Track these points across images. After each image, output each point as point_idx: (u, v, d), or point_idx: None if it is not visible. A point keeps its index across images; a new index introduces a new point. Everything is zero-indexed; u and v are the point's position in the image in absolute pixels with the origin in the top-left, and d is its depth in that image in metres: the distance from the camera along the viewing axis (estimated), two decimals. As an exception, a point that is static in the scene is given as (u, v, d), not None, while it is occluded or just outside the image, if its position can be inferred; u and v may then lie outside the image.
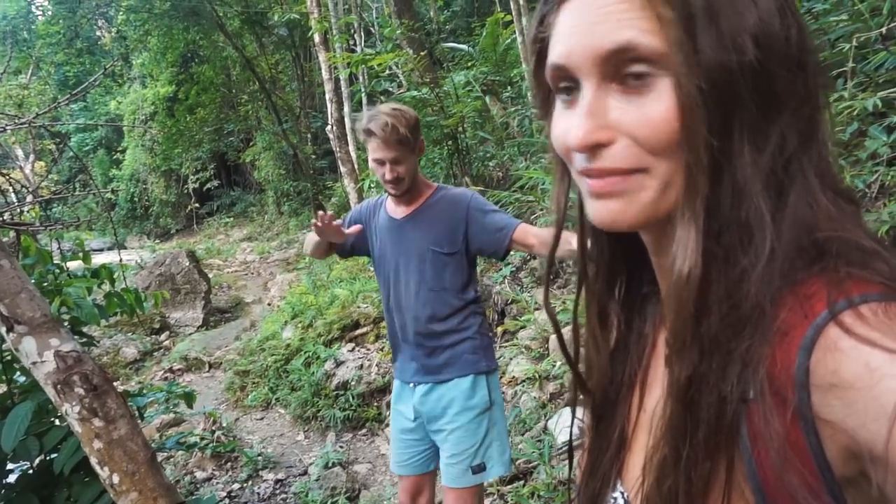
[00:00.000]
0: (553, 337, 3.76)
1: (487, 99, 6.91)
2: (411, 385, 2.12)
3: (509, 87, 7.20)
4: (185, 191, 19.84)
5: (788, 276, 0.45)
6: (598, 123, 0.47)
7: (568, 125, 0.50)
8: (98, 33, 20.91)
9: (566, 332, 0.68)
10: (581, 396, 0.65)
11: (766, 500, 0.43)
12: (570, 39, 0.48)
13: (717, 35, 0.43)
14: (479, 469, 2.01)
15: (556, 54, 0.50)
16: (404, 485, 2.22)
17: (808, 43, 0.46)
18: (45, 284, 2.08)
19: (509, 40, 7.22)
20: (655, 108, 0.45)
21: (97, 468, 1.74)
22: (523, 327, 4.13)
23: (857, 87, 2.80)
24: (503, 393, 3.75)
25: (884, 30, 2.70)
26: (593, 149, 0.47)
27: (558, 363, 3.56)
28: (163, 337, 7.87)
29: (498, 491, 2.98)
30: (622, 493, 0.61)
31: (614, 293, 0.63)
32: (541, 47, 0.53)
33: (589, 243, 0.61)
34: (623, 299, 0.63)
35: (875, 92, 2.69)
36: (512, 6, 6.18)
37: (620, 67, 0.46)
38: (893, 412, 0.36)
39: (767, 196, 0.45)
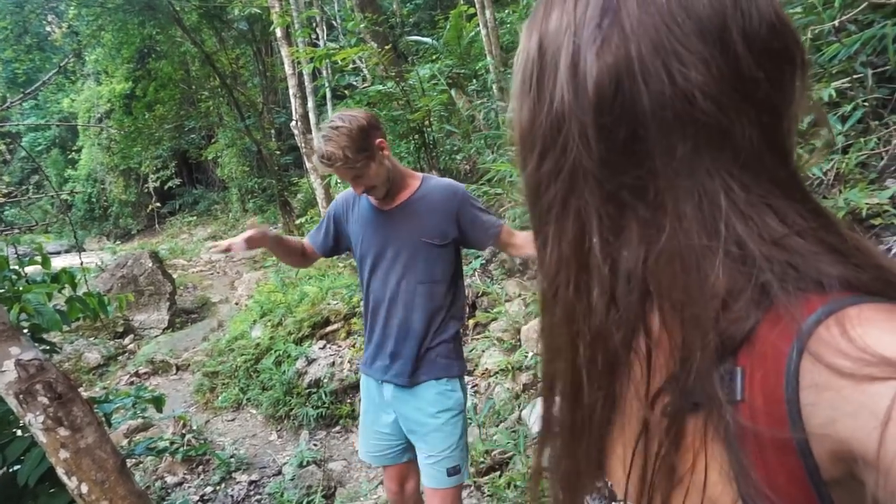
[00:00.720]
0: (525, 327, 3.80)
1: (453, 92, 6.91)
2: (381, 382, 2.09)
3: (474, 80, 7.20)
4: (146, 190, 19.34)
5: (760, 295, 0.44)
6: None
7: None
8: (48, 28, 20.16)
9: (534, 327, 0.68)
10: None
11: (751, 498, 0.43)
12: None
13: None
14: (455, 471, 2.01)
15: None
16: (389, 473, 2.22)
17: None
18: (3, 291, 2.01)
19: (473, 33, 7.22)
20: None
21: (64, 479, 1.69)
22: (494, 319, 4.16)
23: (812, 78, 2.89)
24: (476, 385, 3.78)
25: (836, 22, 2.79)
26: None
27: (530, 354, 3.59)
28: (127, 340, 7.68)
29: (475, 482, 3.00)
30: (606, 483, 0.61)
31: None
32: None
33: None
34: None
35: (829, 82, 2.78)
36: (475, -1, 6.17)
37: None
38: (884, 416, 0.36)
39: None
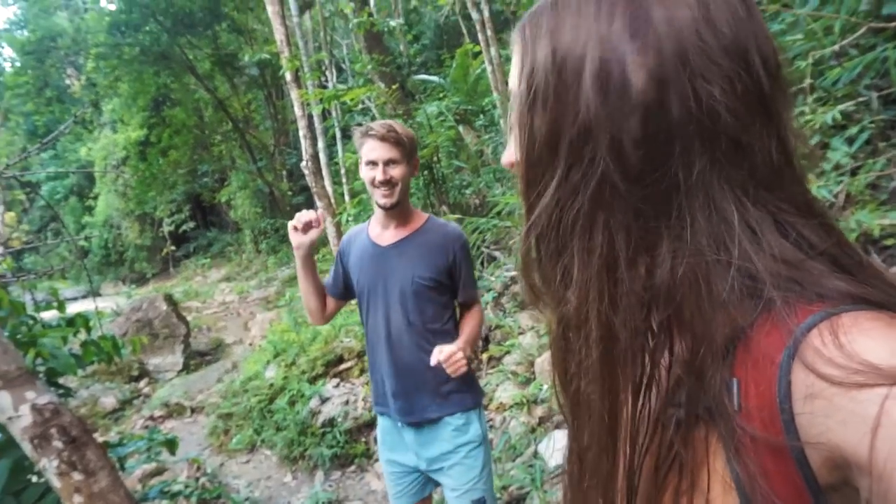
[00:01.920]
0: (539, 360, 3.76)
1: (461, 128, 7.02)
2: (399, 424, 2.04)
3: (482, 116, 7.32)
4: (161, 234, 19.62)
5: (762, 296, 0.45)
6: None
7: None
8: (67, 81, 20.81)
9: (546, 359, 0.68)
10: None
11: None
12: None
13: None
14: (480, 503, 1.97)
15: None
16: None
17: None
18: (19, 336, 2.03)
19: (479, 70, 7.37)
20: None
21: (78, 524, 1.68)
22: (508, 352, 4.12)
23: (816, 102, 2.90)
24: (491, 420, 3.73)
25: (837, 47, 2.81)
26: None
27: (545, 387, 3.55)
28: (142, 384, 7.69)
29: (492, 521, 2.93)
30: None
31: None
32: None
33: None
34: None
35: (834, 106, 2.79)
36: (480, 37, 6.31)
37: None
38: (875, 421, 0.36)
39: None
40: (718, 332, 0.45)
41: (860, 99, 2.84)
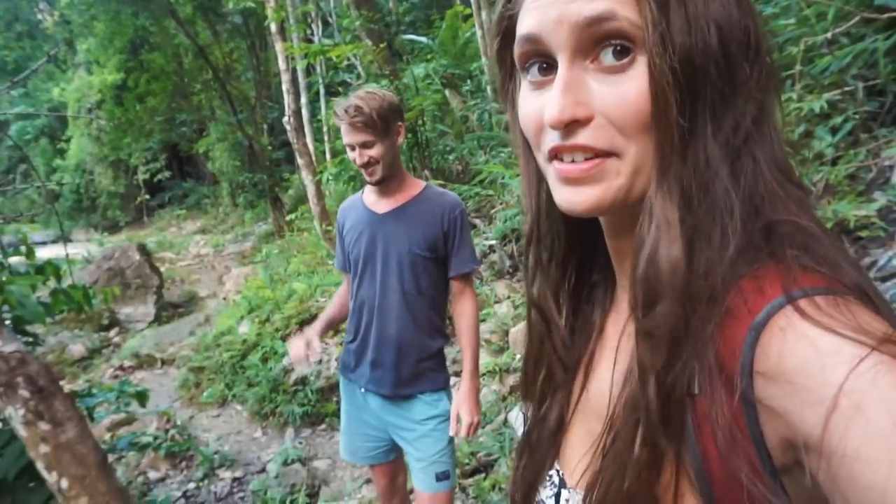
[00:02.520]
0: (513, 329, 3.80)
1: (447, 92, 6.91)
2: (363, 391, 2.05)
3: (469, 81, 7.21)
4: (135, 182, 19.20)
5: (739, 259, 0.45)
6: (576, 98, 0.46)
7: (539, 103, 0.49)
8: (39, 16, 19.93)
9: (522, 328, 0.69)
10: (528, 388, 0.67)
11: (711, 486, 0.44)
12: (545, 10, 0.47)
13: (686, 17, 0.44)
14: (444, 476, 2.00)
15: (528, 25, 0.49)
16: (379, 471, 2.19)
17: (761, 33, 0.48)
18: (-15, 282, 1.98)
19: (469, 34, 7.23)
20: (631, 87, 0.45)
21: (44, 473, 1.67)
22: (483, 321, 4.15)
23: (804, 90, 2.91)
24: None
25: (829, 34, 2.81)
26: (569, 125, 0.46)
27: (518, 356, 3.60)
28: (112, 333, 7.61)
29: (460, 484, 2.99)
30: (557, 471, 0.62)
31: (566, 280, 0.63)
32: (507, 25, 0.53)
33: (546, 230, 0.61)
34: (573, 287, 0.64)
35: (821, 94, 2.80)
36: (472, 0, 6.18)
37: (596, 42, 0.46)
38: (831, 402, 0.37)
39: (731, 178, 0.46)
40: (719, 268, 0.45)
41: (846, 88, 2.86)
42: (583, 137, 0.47)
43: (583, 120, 0.46)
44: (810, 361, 0.39)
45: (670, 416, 0.46)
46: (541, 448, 0.64)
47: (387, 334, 1.96)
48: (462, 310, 1.99)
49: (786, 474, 0.41)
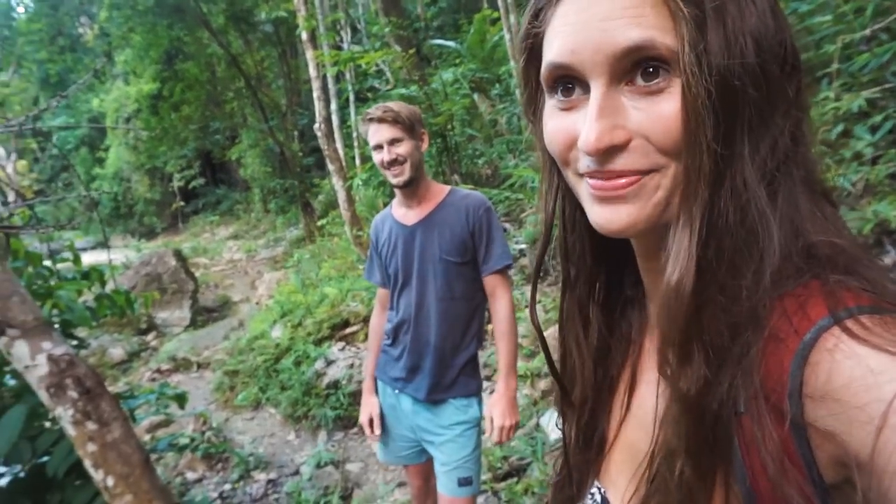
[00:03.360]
0: (546, 334, 3.78)
1: (476, 96, 6.93)
2: (397, 391, 2.10)
3: (497, 85, 7.21)
4: (170, 189, 19.67)
5: (780, 281, 0.44)
6: (613, 123, 0.45)
7: (569, 122, 0.48)
8: (80, 30, 20.59)
9: (553, 333, 0.69)
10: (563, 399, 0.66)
11: None
12: (576, 36, 0.46)
13: (725, 35, 0.42)
14: (466, 482, 2.01)
15: (558, 52, 0.47)
16: (413, 471, 2.23)
17: (796, 46, 0.47)
18: (36, 287, 2.06)
19: (497, 38, 7.23)
20: (669, 107, 0.44)
21: (91, 471, 1.73)
22: (514, 325, 4.15)
23: (841, 88, 2.85)
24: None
25: (868, 31, 2.75)
26: (607, 152, 0.45)
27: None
28: (150, 337, 7.81)
29: (492, 488, 3.00)
30: (599, 489, 0.62)
31: (595, 296, 0.62)
32: (533, 43, 0.52)
33: (571, 246, 0.60)
34: (603, 302, 0.63)
35: (859, 92, 2.73)
36: (500, 3, 6.18)
37: (633, 66, 0.45)
38: (881, 419, 0.36)
39: (768, 200, 0.45)
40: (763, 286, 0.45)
41: (887, 86, 2.78)
42: (620, 163, 0.46)
43: (620, 144, 0.45)
44: (858, 380, 0.38)
45: (714, 440, 0.45)
46: (581, 466, 0.64)
47: (425, 341, 2.00)
48: (497, 308, 2.00)
49: (836, 492, 0.41)
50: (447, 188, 2.06)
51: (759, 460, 0.42)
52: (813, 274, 0.44)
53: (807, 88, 0.49)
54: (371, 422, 2.15)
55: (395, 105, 1.93)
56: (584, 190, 0.50)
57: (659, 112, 0.44)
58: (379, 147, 1.92)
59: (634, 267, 0.59)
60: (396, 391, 2.10)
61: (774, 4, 0.46)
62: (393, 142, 1.90)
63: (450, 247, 1.95)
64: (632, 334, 0.64)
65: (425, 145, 1.99)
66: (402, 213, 2.05)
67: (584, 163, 0.48)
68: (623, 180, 0.46)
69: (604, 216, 0.48)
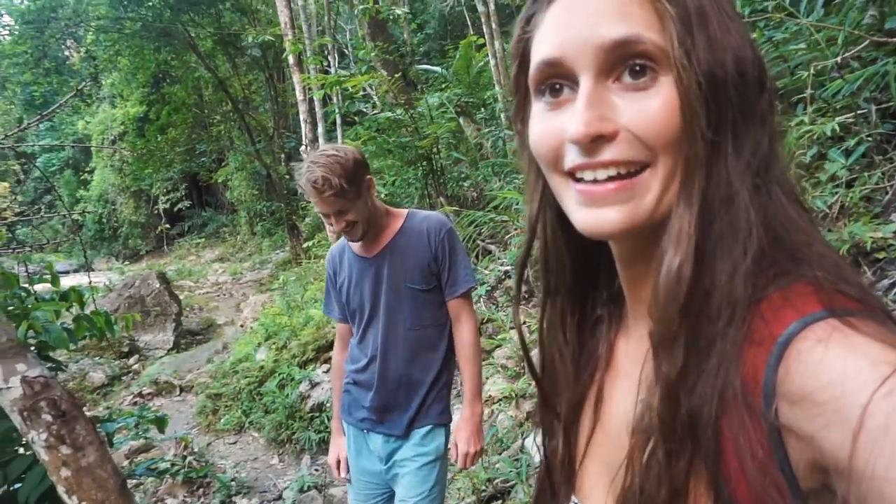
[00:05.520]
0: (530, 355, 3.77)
1: (461, 120, 7.00)
2: (365, 431, 1.99)
3: (483, 109, 7.30)
4: (156, 211, 19.53)
5: (760, 281, 0.45)
6: (601, 114, 0.46)
7: (557, 123, 0.49)
8: (66, 53, 20.59)
9: (535, 353, 0.69)
10: (543, 416, 0.66)
11: None
12: (566, 32, 0.47)
13: (708, 37, 0.45)
14: None
15: (549, 47, 0.49)
16: None
17: (766, 69, 0.49)
18: (12, 308, 2.03)
19: (482, 63, 7.34)
20: (656, 103, 0.45)
21: (64, 497, 1.69)
22: (499, 346, 4.14)
23: (816, 113, 2.92)
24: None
25: (839, 59, 2.83)
26: (594, 141, 0.46)
27: (534, 382, 3.57)
28: (132, 360, 7.69)
29: (475, 512, 2.96)
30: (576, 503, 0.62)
31: (573, 313, 0.63)
32: (524, 47, 0.53)
33: (552, 258, 0.60)
34: (578, 321, 0.63)
35: (833, 117, 2.80)
36: (485, 29, 6.29)
37: (620, 62, 0.46)
38: (858, 423, 0.36)
39: (750, 198, 0.46)
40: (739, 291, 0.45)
41: (859, 111, 2.86)
42: (608, 153, 0.46)
43: (608, 136, 0.46)
44: (834, 383, 0.38)
45: (693, 434, 0.45)
46: (557, 482, 0.64)
47: (395, 377, 1.90)
48: (461, 333, 1.93)
49: (814, 497, 0.41)
50: (404, 212, 1.96)
51: (738, 463, 0.42)
52: (791, 276, 0.45)
53: (778, 112, 0.50)
54: (339, 463, 2.06)
55: (331, 169, 1.72)
56: (571, 195, 0.50)
57: (646, 107, 0.45)
58: (325, 215, 1.83)
59: (607, 285, 0.60)
60: (365, 431, 1.98)
61: (747, 35, 0.49)
62: (339, 213, 1.78)
63: (414, 274, 1.87)
64: (598, 351, 0.64)
65: (373, 189, 1.87)
66: (359, 245, 1.95)
67: (571, 157, 0.48)
68: (613, 185, 0.47)
69: (591, 219, 0.48)
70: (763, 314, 0.44)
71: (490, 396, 3.76)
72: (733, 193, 0.46)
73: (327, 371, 5.05)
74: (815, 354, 0.40)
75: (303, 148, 7.23)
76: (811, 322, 0.41)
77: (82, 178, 21.45)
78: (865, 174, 2.71)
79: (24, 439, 1.85)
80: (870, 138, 2.75)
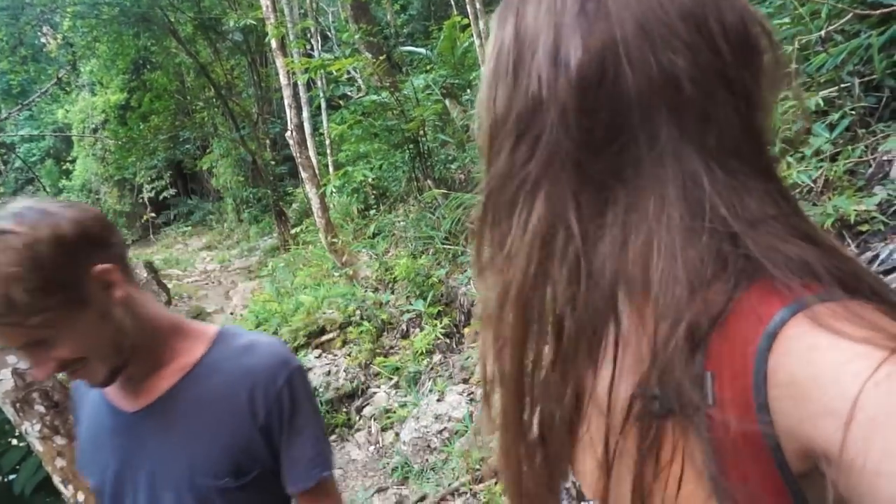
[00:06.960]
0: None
1: (447, 102, 6.96)
2: None
3: (469, 90, 7.26)
4: (140, 200, 19.33)
5: (738, 271, 0.44)
6: None
7: None
8: (43, 40, 20.17)
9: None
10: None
11: (726, 497, 0.43)
12: None
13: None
14: None
15: None
16: None
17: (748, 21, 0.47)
18: (-1, 300, 2.02)
19: (467, 43, 7.28)
20: None
21: (60, 487, 1.70)
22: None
23: (800, 87, 2.93)
24: (473, 393, 3.79)
25: (823, 32, 2.84)
26: None
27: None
28: (121, 351, 7.65)
29: (471, 490, 3.00)
30: (574, 483, 0.62)
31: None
32: None
33: None
34: None
35: (817, 91, 2.82)
36: (469, 9, 6.23)
37: None
38: (848, 414, 0.36)
39: (713, 188, 0.45)
40: (686, 305, 0.44)
41: (843, 85, 2.88)
42: None
43: None
44: (824, 372, 0.38)
45: (679, 401, 0.44)
46: (555, 460, 0.62)
47: None
48: None
49: (804, 479, 0.41)
50: (211, 331, 1.06)
51: (728, 452, 0.42)
52: (772, 262, 0.44)
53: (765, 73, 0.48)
54: None
55: (11, 277, 0.80)
56: None
57: None
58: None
59: None
60: None
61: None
62: (28, 345, 0.87)
63: (212, 460, 0.98)
64: None
65: (120, 288, 0.92)
66: (118, 385, 1.01)
67: None
68: None
69: None
70: (750, 300, 0.43)
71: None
72: (695, 182, 0.46)
73: (319, 356, 5.07)
74: (805, 343, 0.39)
75: (288, 133, 7.16)
76: (799, 309, 0.41)
77: (64, 167, 21.15)
78: (849, 148, 2.74)
79: (17, 431, 1.85)
80: (853, 112, 2.77)
